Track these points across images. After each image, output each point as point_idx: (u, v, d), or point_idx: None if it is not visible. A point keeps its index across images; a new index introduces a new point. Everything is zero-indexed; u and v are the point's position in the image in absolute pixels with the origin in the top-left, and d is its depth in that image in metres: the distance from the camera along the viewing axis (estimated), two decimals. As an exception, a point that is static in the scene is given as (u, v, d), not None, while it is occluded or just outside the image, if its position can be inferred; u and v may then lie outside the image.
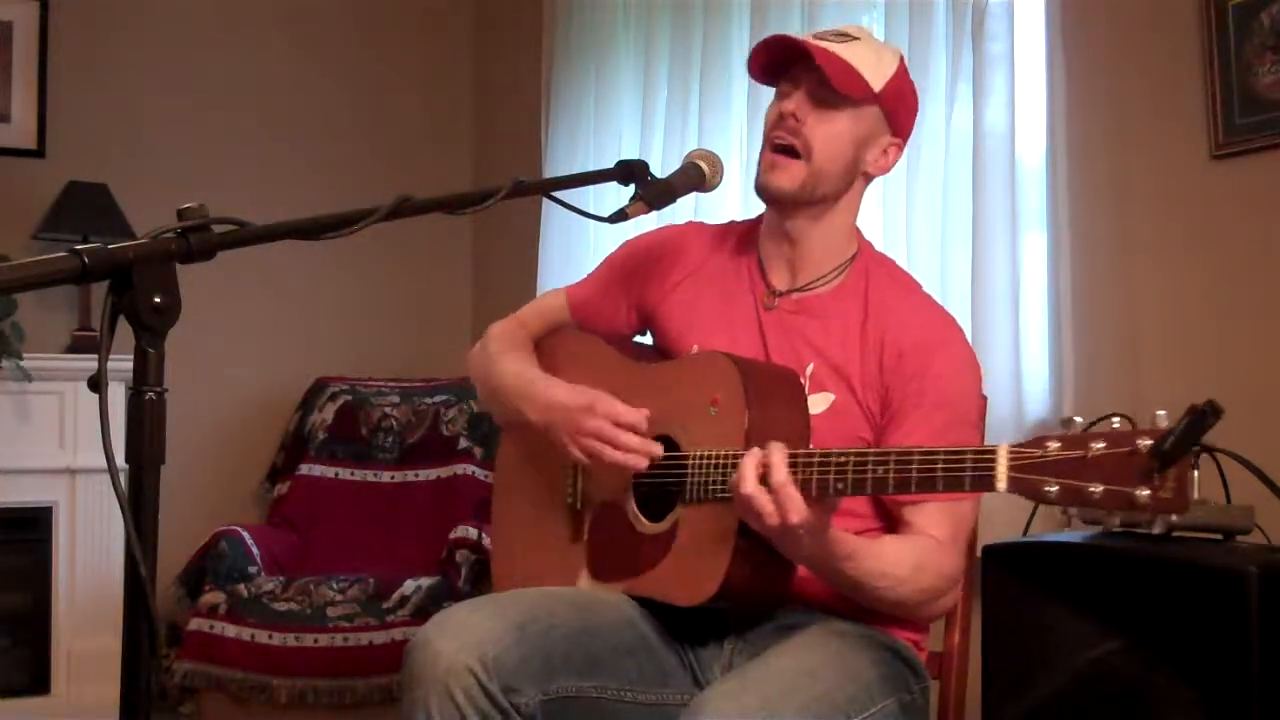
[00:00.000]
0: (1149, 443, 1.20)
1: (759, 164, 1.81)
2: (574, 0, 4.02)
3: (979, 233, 2.73)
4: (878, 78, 1.76)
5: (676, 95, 3.56)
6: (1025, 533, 2.39)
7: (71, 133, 4.17)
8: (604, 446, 1.71)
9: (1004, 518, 2.40)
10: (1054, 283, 2.67)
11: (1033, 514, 2.42)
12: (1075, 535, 2.09)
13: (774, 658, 1.62)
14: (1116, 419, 1.25)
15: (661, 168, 2.15)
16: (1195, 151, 2.49)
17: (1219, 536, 1.99)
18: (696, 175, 1.77)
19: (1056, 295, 2.67)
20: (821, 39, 1.78)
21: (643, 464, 1.70)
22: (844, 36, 1.79)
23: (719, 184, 1.80)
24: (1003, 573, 2.08)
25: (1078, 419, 1.29)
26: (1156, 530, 1.28)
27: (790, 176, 1.76)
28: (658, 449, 1.70)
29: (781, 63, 1.80)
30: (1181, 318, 2.52)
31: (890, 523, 1.74)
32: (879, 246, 1.96)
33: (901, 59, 1.82)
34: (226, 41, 4.42)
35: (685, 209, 2.45)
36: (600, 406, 1.72)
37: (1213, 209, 2.49)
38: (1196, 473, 2.02)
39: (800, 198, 1.78)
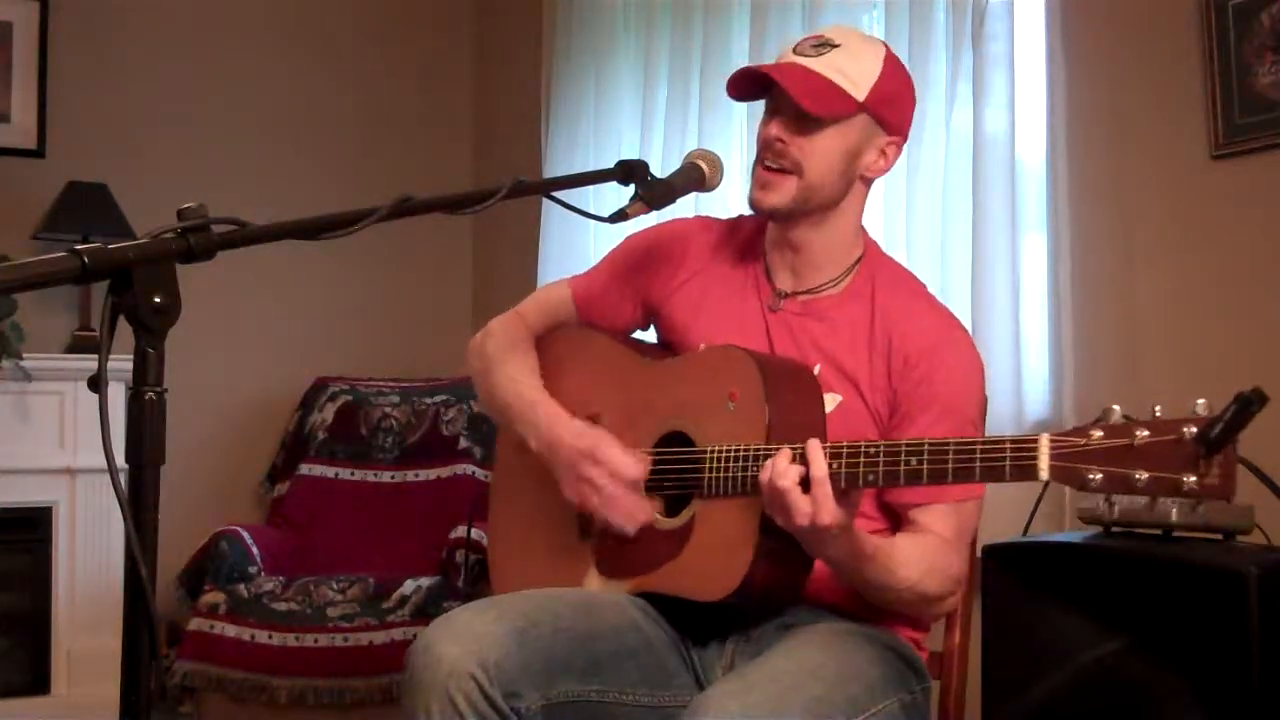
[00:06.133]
0: (1195, 430, 1.22)
1: (750, 180, 1.80)
2: (574, 0, 4.02)
3: (979, 233, 2.73)
4: (860, 86, 1.72)
5: (676, 95, 3.56)
6: (1025, 533, 2.39)
7: (71, 133, 4.17)
8: (600, 502, 1.73)
9: (1004, 518, 2.40)
10: (1054, 283, 2.67)
11: (1032, 514, 2.42)
12: (1075, 535, 2.09)
13: (776, 657, 1.62)
14: (1158, 408, 1.26)
15: (661, 168, 2.15)
16: (1195, 151, 2.49)
17: (1219, 536, 1.99)
18: (697, 175, 1.77)
19: (1056, 295, 2.67)
20: (800, 52, 1.75)
21: (635, 526, 1.72)
22: (823, 46, 1.74)
23: (719, 184, 1.80)
24: (1003, 573, 2.08)
25: (1116, 408, 1.30)
26: (1177, 506, 1.30)
27: (782, 193, 1.75)
28: (648, 515, 1.72)
29: (762, 83, 1.77)
30: (1181, 317, 2.52)
31: (895, 522, 1.74)
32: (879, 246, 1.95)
33: (887, 56, 1.77)
34: (226, 41, 4.42)
35: (685, 209, 2.45)
36: (601, 454, 1.73)
37: (1213, 209, 2.49)
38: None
39: (795, 211, 1.77)
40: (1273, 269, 2.39)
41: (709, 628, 1.77)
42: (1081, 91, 2.65)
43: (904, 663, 1.72)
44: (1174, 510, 1.96)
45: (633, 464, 1.73)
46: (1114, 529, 2.05)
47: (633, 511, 1.72)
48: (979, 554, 2.08)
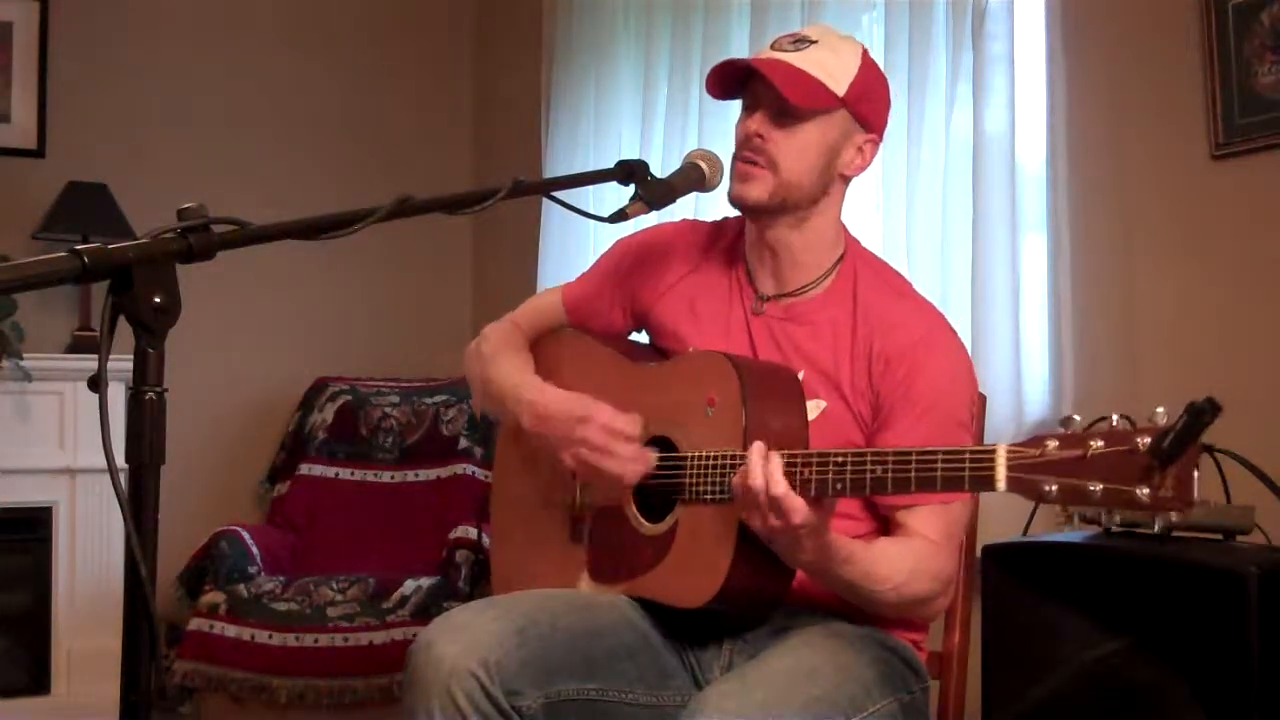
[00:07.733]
0: (1148, 440, 1.19)
1: (730, 174, 1.79)
2: (574, 1, 4.02)
3: (979, 233, 2.73)
4: (840, 81, 1.73)
5: (676, 95, 3.56)
6: (1025, 533, 2.39)
7: (71, 133, 4.18)
8: (599, 457, 1.70)
9: (1004, 518, 2.39)
10: (1054, 283, 2.67)
11: (1032, 514, 2.42)
12: (1075, 535, 2.09)
13: (773, 658, 1.62)
14: (1115, 416, 1.24)
15: (661, 168, 2.15)
16: (1195, 151, 2.49)
17: (1219, 536, 1.99)
18: (696, 175, 1.77)
19: (1056, 295, 2.67)
20: (778, 48, 1.76)
21: (637, 475, 1.70)
22: (801, 42, 1.75)
23: (719, 184, 1.80)
24: (1003, 573, 2.08)
25: (1077, 417, 1.28)
26: (1157, 528, 1.27)
27: (760, 186, 1.75)
28: (652, 458, 1.70)
29: (740, 80, 1.78)
30: (1181, 318, 2.52)
31: (883, 525, 1.74)
32: (879, 247, 1.95)
33: (864, 53, 1.78)
34: (226, 41, 4.42)
35: (685, 209, 2.45)
36: (594, 415, 1.72)
37: (1213, 209, 2.49)
38: (1196, 472, 2.03)
39: (772, 206, 1.76)
40: (1273, 269, 2.39)
41: (706, 629, 1.76)
42: (1081, 91, 2.65)
43: (902, 663, 1.72)
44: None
45: (628, 418, 1.71)
46: (1114, 529, 2.05)
47: (631, 462, 1.70)
48: (979, 554, 2.08)
